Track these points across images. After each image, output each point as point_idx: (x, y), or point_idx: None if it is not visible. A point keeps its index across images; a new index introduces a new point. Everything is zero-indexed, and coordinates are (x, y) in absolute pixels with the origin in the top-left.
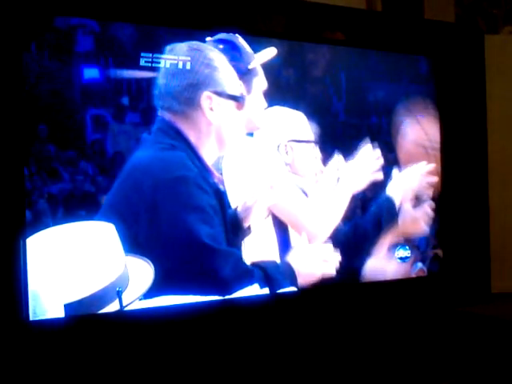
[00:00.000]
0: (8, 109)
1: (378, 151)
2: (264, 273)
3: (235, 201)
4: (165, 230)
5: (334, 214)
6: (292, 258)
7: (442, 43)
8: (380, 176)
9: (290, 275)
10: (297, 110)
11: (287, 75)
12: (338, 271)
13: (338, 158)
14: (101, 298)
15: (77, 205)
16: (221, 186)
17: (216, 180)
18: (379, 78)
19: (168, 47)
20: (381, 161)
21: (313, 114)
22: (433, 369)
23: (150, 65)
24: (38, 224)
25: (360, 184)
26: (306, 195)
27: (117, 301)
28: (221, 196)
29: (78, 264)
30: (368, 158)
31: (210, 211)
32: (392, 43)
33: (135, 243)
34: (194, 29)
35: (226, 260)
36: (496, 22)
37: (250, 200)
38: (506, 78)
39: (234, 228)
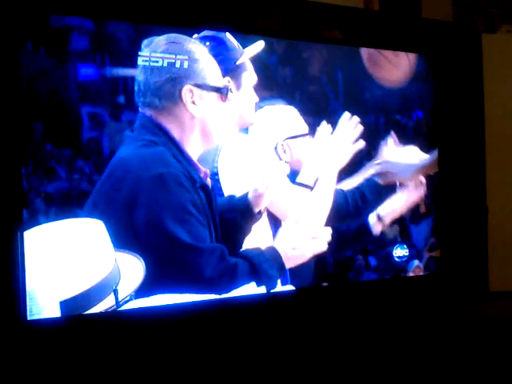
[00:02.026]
0: (4, 107)
1: (356, 118)
2: (250, 263)
3: (243, 189)
4: (144, 230)
5: (325, 202)
6: (278, 243)
7: (439, 42)
8: (361, 144)
9: (276, 261)
10: (290, 104)
11: (284, 74)
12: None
13: (324, 125)
14: (95, 293)
15: (73, 203)
16: (208, 181)
17: (202, 175)
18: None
19: (145, 41)
20: (360, 128)
21: (309, 111)
22: (431, 366)
23: (147, 64)
24: (34, 223)
25: (344, 158)
26: (311, 189)
27: (111, 296)
28: (207, 191)
29: (70, 261)
30: (346, 128)
31: (192, 209)
32: (390, 42)
33: (120, 241)
34: (191, 27)
35: (208, 258)
36: (493, 20)
37: (261, 187)
38: (503, 76)
39: (245, 214)
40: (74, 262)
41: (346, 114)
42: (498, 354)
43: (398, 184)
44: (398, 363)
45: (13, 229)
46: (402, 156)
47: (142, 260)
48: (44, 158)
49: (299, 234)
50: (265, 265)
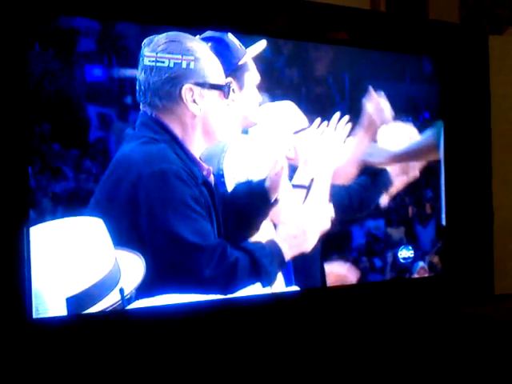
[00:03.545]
0: (12, 107)
1: (346, 118)
2: (250, 257)
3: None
4: (146, 227)
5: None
6: (279, 235)
7: (446, 44)
8: (351, 141)
9: (278, 256)
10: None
11: (289, 74)
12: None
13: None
14: (96, 292)
15: (80, 203)
16: (211, 177)
17: (205, 172)
18: (382, 77)
19: (145, 40)
20: (348, 127)
21: (315, 112)
22: (434, 369)
23: (153, 64)
24: (41, 221)
25: (336, 157)
26: (307, 188)
27: (111, 295)
28: (209, 188)
29: (71, 259)
30: (337, 129)
31: (193, 203)
32: (396, 43)
33: (121, 240)
34: (196, 28)
35: (210, 256)
36: (500, 22)
37: (275, 174)
38: (510, 77)
39: (263, 199)
40: (74, 259)
41: (337, 115)
42: (503, 357)
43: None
44: (401, 365)
45: (19, 226)
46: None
47: (142, 257)
48: (51, 158)
49: (298, 221)
50: (265, 259)
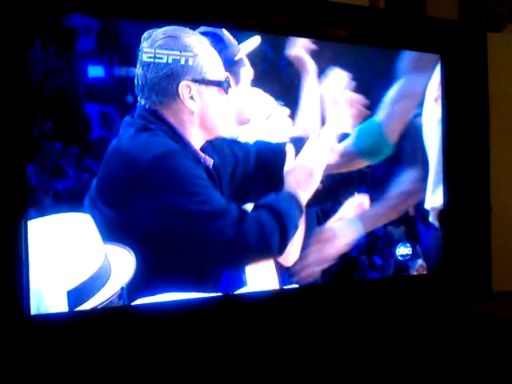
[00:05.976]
0: (14, 106)
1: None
2: (269, 207)
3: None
4: (153, 210)
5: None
6: (288, 182)
7: (444, 41)
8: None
9: (294, 200)
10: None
11: (288, 72)
12: None
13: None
14: (88, 287)
15: (81, 201)
16: (209, 163)
17: (202, 160)
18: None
19: (145, 34)
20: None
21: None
22: (432, 366)
23: (152, 60)
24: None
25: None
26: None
27: (107, 287)
28: (210, 173)
29: (63, 254)
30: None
31: (199, 176)
32: (395, 40)
33: (125, 229)
34: (196, 23)
35: (229, 218)
36: (498, 20)
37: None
38: (508, 75)
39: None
40: (67, 254)
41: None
42: (500, 354)
43: None
44: (398, 361)
45: (18, 224)
46: None
47: (131, 252)
48: (52, 156)
49: (303, 165)
50: (284, 204)
